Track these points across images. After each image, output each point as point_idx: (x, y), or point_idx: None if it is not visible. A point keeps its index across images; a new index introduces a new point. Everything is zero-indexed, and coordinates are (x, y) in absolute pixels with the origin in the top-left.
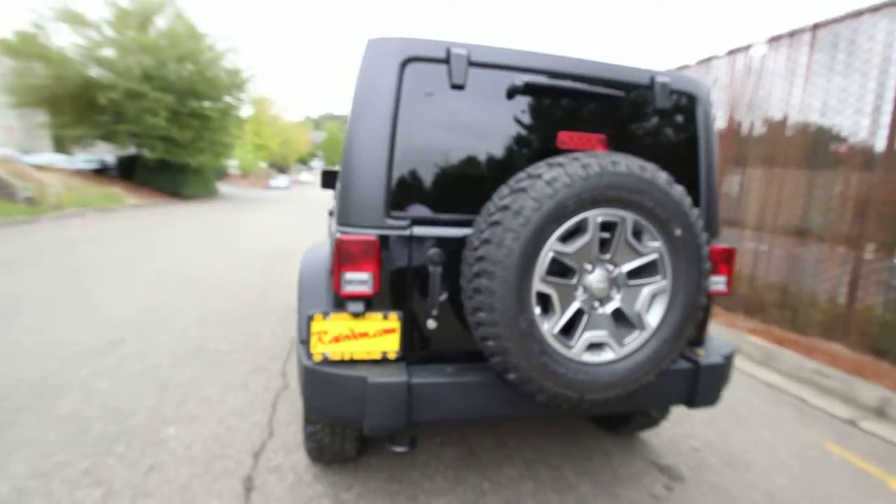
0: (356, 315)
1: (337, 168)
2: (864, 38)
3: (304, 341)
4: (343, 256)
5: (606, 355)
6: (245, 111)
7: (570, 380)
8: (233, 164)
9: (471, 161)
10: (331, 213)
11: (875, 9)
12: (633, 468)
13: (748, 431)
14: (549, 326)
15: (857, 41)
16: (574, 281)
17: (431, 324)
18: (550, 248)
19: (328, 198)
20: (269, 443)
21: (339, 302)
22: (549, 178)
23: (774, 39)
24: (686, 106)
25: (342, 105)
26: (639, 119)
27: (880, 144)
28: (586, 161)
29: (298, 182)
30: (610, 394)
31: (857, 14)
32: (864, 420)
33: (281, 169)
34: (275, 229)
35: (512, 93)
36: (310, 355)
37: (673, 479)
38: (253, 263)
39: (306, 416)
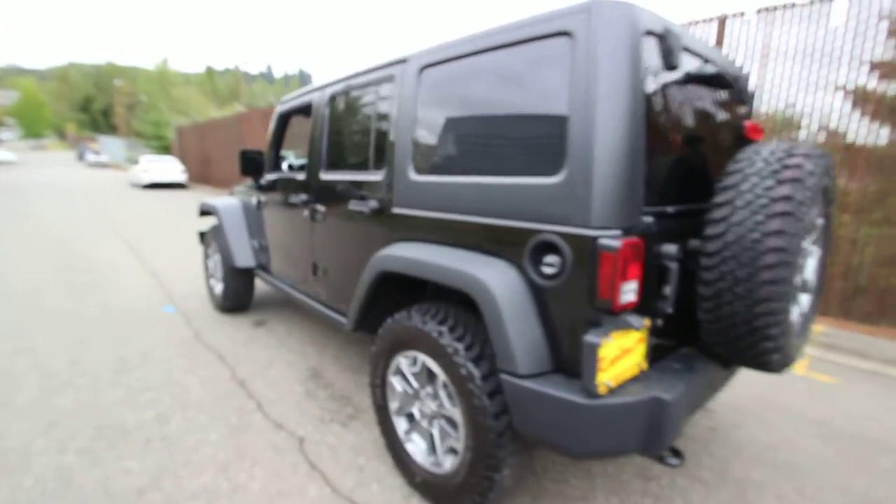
0: (632, 329)
1: (260, 150)
2: None
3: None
4: (623, 264)
5: (803, 311)
6: None
7: (795, 342)
8: None
9: (689, 147)
10: (259, 205)
11: None
12: None
13: None
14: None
15: None
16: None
17: (659, 323)
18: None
19: (90, 181)
20: None
21: (610, 316)
22: (811, 169)
23: None
24: None
25: (38, 55)
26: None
27: None
28: (818, 152)
29: None
30: (801, 346)
31: None
32: None
33: None
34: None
35: (703, 79)
36: (588, 392)
37: None
38: None
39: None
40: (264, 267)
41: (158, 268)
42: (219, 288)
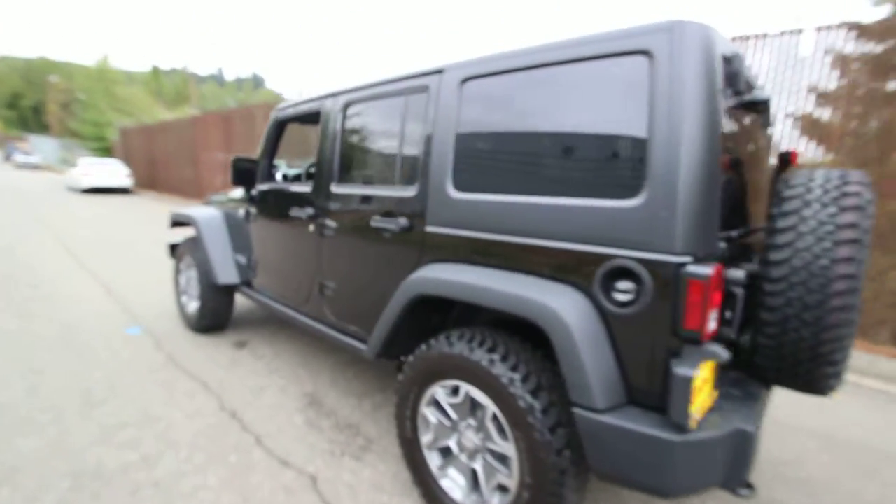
0: (717, 359)
1: (253, 158)
2: None
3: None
4: (711, 292)
5: None
6: None
7: None
8: None
9: (739, 171)
10: (248, 216)
11: None
12: None
13: None
14: None
15: None
16: None
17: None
18: None
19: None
20: None
21: (693, 346)
22: (869, 198)
23: None
24: None
25: None
26: None
27: None
28: (868, 180)
29: None
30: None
31: None
32: None
33: None
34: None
35: (750, 103)
36: (678, 427)
37: None
38: None
39: None
40: (249, 283)
41: (111, 281)
42: (193, 306)
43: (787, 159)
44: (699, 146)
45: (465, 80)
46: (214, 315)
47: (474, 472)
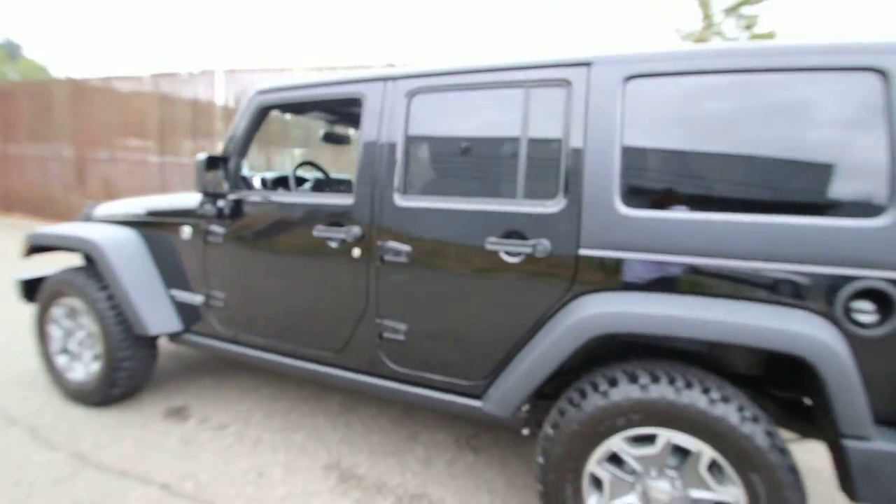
0: None
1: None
2: None
3: None
4: None
5: None
6: None
7: None
8: None
9: None
10: (206, 236)
11: None
12: None
13: None
14: None
15: None
16: None
17: None
18: None
19: None
20: None
21: None
22: None
23: None
24: None
25: None
26: None
27: None
28: None
29: None
30: None
31: None
32: None
33: None
34: None
35: None
36: None
37: None
38: None
39: None
40: (201, 328)
41: None
42: (90, 370)
43: None
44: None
45: (630, 77)
46: (132, 378)
47: None
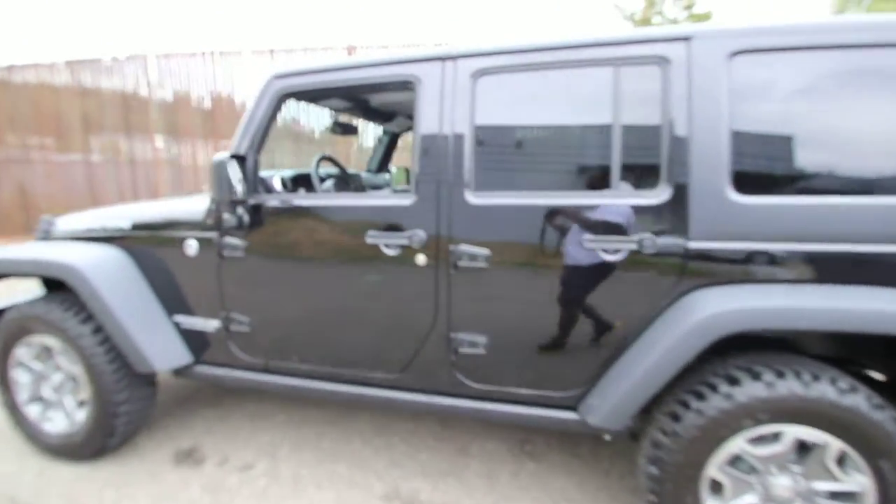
0: None
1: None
2: None
3: None
4: None
5: None
6: None
7: None
8: None
9: None
10: (221, 250)
11: None
12: None
13: None
14: None
15: None
16: None
17: None
18: None
19: None
20: None
21: None
22: None
23: None
24: None
25: None
26: None
27: None
28: None
29: None
30: None
31: None
32: None
33: None
34: None
35: None
36: None
37: None
38: None
39: None
40: (216, 358)
41: None
42: (75, 419)
43: None
44: None
45: (735, 52)
46: (131, 423)
47: None
